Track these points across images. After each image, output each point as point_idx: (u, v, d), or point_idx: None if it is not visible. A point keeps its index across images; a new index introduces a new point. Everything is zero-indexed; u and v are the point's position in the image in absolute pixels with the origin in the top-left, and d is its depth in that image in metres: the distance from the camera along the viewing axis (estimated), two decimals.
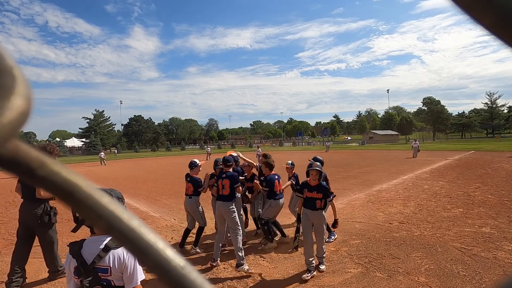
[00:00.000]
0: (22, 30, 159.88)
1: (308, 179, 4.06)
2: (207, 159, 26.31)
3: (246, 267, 3.96)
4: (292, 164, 5.61)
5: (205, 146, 37.46)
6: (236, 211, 4.25)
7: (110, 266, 1.52)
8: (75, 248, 1.58)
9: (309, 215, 3.97)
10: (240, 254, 3.97)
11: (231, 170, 4.54)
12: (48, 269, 4.03)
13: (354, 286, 3.51)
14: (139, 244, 0.22)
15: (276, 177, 4.99)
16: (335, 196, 4.14)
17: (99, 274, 1.52)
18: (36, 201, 3.85)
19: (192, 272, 0.23)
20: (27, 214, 3.95)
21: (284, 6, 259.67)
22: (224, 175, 4.33)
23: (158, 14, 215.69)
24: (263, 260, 4.32)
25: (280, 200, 4.88)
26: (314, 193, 3.95)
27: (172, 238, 5.48)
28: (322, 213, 3.97)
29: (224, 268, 4.13)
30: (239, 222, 4.25)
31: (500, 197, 7.43)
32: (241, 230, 4.26)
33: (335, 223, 4.36)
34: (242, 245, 4.22)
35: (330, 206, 4.46)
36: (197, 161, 5.02)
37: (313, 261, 3.85)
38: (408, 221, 5.86)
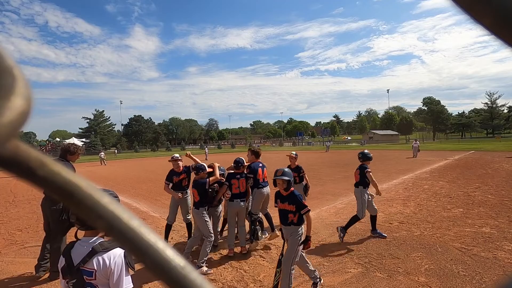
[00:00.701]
0: (22, 30, 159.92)
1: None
2: (206, 159, 26.68)
3: (204, 268, 3.97)
4: (296, 154, 5.79)
5: (204, 146, 37.58)
6: (205, 218, 4.19)
7: (95, 269, 1.48)
8: (67, 247, 1.57)
9: (283, 231, 3.44)
10: (203, 256, 3.98)
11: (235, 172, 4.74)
12: (49, 268, 4.03)
13: (354, 286, 3.51)
14: (139, 244, 0.22)
15: (260, 165, 4.97)
16: (309, 210, 3.30)
17: (84, 276, 1.49)
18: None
19: (192, 272, 0.23)
20: (47, 210, 4.01)
21: (285, 6, 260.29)
22: (193, 184, 4.39)
23: (158, 14, 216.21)
24: (263, 260, 4.32)
25: (263, 189, 4.84)
26: (286, 205, 3.34)
27: (172, 238, 5.48)
28: (298, 230, 3.28)
29: (224, 268, 4.13)
30: (211, 230, 4.20)
31: (500, 197, 7.43)
32: (212, 238, 4.19)
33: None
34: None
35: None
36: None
37: (316, 272, 3.42)
38: (408, 221, 5.86)
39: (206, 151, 31.75)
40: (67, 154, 4.08)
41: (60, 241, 3.98)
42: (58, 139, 64.86)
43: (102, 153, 28.55)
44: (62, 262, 1.54)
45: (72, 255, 1.52)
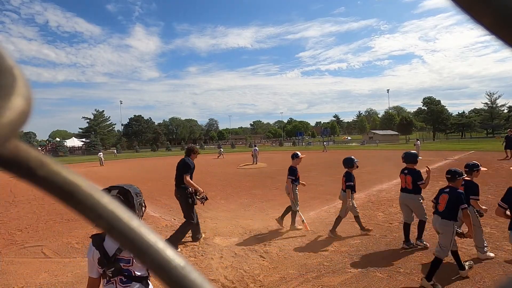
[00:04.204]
0: (22, 29, 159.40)
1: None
2: (218, 158, 26.84)
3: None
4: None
5: (220, 148, 34.29)
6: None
7: (131, 257, 1.62)
8: (98, 240, 1.67)
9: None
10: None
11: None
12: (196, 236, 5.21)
13: (354, 286, 3.51)
14: (139, 244, 0.22)
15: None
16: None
17: (121, 264, 1.64)
18: None
19: (192, 272, 0.23)
20: (178, 199, 5.13)
21: (285, 5, 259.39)
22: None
23: (159, 13, 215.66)
24: (263, 260, 4.32)
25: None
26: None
27: None
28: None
29: (226, 267, 4.13)
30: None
31: (500, 197, 7.41)
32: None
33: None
34: None
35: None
36: (299, 153, 5.97)
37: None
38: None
39: (221, 150, 30.74)
40: (191, 153, 5.19)
41: (192, 217, 4.89)
42: (58, 139, 64.88)
43: (101, 153, 28.37)
44: (96, 254, 1.65)
45: (105, 246, 1.65)
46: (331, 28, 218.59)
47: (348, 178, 5.18)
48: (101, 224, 0.22)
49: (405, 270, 3.80)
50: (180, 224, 5.02)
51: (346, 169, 5.34)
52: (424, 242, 4.55)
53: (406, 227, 4.61)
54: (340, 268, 3.98)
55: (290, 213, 5.66)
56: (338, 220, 5.21)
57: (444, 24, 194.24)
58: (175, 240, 4.79)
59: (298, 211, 5.58)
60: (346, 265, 4.05)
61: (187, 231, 4.98)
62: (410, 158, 4.80)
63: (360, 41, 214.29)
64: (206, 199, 5.05)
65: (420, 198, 4.59)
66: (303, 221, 5.47)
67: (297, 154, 5.92)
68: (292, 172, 5.66)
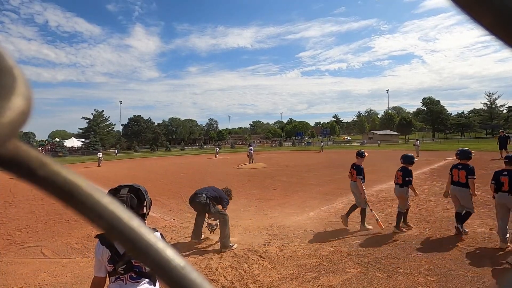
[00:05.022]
0: (22, 29, 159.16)
1: None
2: (215, 157, 27.02)
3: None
4: None
5: (216, 147, 36.49)
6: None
7: None
8: (107, 240, 1.70)
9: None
10: None
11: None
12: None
13: (354, 286, 3.51)
14: (139, 244, 0.22)
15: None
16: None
17: (132, 261, 1.68)
18: None
19: (192, 272, 0.23)
20: (196, 205, 5.10)
21: (286, 5, 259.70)
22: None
23: (159, 13, 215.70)
24: (263, 260, 4.32)
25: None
26: None
27: (172, 238, 5.48)
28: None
29: (225, 267, 4.13)
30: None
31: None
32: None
33: None
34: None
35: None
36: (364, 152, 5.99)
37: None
38: (408, 221, 5.86)
39: (217, 150, 32.02)
40: (228, 195, 5.39)
41: (221, 216, 4.86)
42: (57, 139, 64.77)
43: (100, 153, 28.28)
44: (106, 253, 1.68)
45: (116, 245, 1.69)
46: (331, 28, 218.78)
47: (407, 174, 5.34)
48: (101, 224, 0.22)
49: (405, 270, 3.80)
50: (220, 225, 4.95)
51: (403, 165, 5.49)
52: (466, 230, 4.93)
53: (457, 215, 5.03)
54: (340, 268, 3.98)
55: (360, 212, 5.62)
56: (404, 215, 5.36)
57: (444, 24, 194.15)
58: (226, 236, 4.77)
59: (372, 210, 5.59)
60: (346, 265, 4.05)
61: (227, 222, 4.83)
62: (465, 155, 5.21)
63: (360, 41, 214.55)
64: (215, 228, 5.01)
65: (470, 192, 4.92)
66: (377, 220, 5.47)
67: (364, 153, 5.96)
68: (360, 171, 5.68)
